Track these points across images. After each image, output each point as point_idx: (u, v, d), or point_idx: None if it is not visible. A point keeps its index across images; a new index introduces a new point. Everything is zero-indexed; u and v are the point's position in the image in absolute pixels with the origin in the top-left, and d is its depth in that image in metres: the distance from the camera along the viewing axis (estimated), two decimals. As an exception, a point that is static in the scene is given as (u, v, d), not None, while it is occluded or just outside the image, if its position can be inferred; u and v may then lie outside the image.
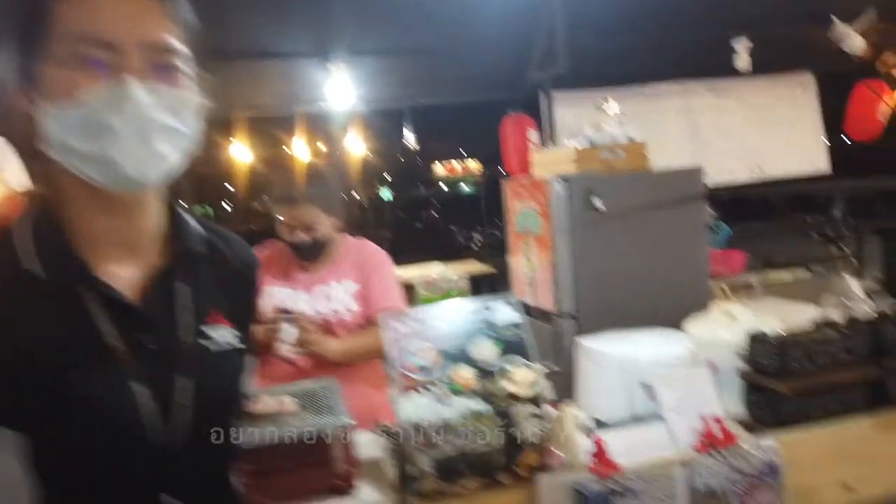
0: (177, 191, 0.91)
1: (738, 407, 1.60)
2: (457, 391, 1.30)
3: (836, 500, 1.47)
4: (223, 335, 0.90)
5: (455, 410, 1.27)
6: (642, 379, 1.52)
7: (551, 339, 2.74)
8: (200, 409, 0.84)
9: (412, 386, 1.30)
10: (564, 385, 1.82)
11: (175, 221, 0.90)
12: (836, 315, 1.68)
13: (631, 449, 1.42)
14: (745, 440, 1.40)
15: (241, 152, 6.17)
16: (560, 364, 1.70)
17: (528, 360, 1.34)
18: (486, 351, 1.35)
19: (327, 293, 2.00)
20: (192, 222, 0.93)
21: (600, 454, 1.32)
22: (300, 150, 5.79)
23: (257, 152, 6.58)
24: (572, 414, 1.43)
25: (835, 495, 1.46)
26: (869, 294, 1.87)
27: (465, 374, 1.32)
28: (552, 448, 1.35)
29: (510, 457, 1.29)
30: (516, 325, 1.39)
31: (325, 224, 1.95)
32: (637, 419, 1.48)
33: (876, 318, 1.60)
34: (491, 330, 1.38)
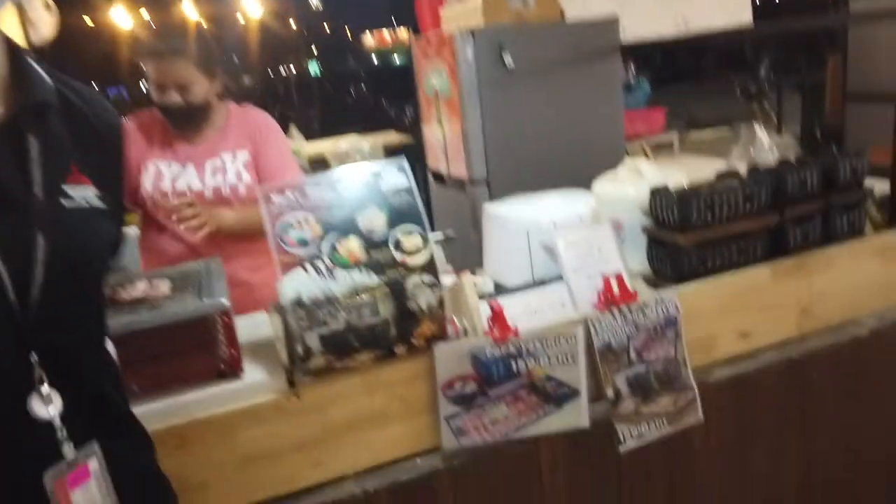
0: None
1: (643, 263, 1.58)
2: (344, 264, 1.21)
3: (733, 347, 1.50)
4: (84, 195, 0.85)
5: (341, 284, 1.19)
6: (544, 241, 1.46)
7: (469, 209, 2.68)
8: (60, 271, 0.79)
9: (294, 262, 1.19)
10: (478, 254, 1.76)
11: (17, 68, 0.83)
12: (741, 166, 1.65)
13: (532, 312, 1.38)
14: (645, 295, 1.39)
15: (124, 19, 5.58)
16: (476, 234, 1.63)
17: (420, 227, 1.25)
18: (375, 220, 1.25)
19: (219, 166, 1.85)
20: (41, 71, 0.86)
21: (497, 319, 1.28)
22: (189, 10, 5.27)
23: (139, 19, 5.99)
24: (471, 281, 1.37)
25: (732, 343, 1.49)
26: (782, 147, 1.84)
27: (352, 246, 1.22)
28: (449, 317, 1.30)
29: (405, 328, 1.23)
30: (407, 191, 1.29)
31: (202, 85, 1.75)
32: (540, 283, 1.44)
33: (777, 166, 1.57)
34: (379, 197, 1.27)
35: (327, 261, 1.20)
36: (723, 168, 1.64)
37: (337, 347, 1.19)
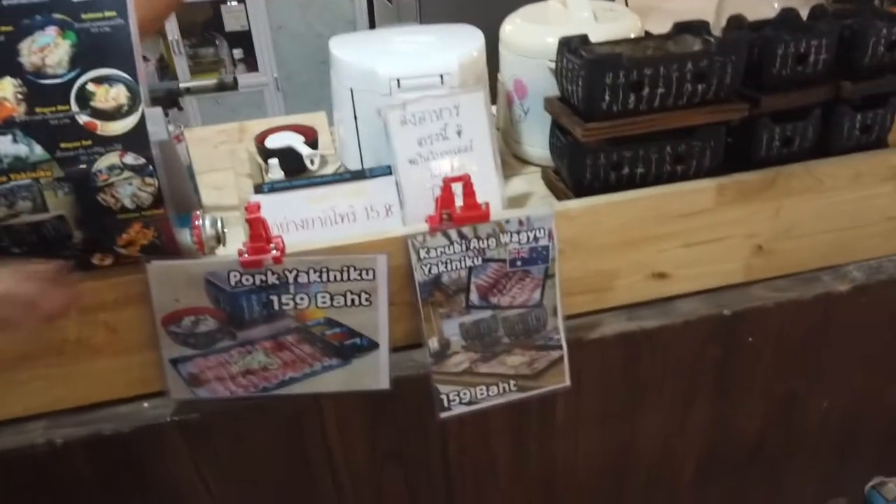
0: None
1: (541, 158, 1.09)
2: (-2, 121, 0.75)
3: (640, 292, 1.05)
4: None
5: (-19, 155, 0.74)
6: (380, 108, 0.96)
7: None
8: None
9: None
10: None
11: None
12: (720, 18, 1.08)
13: (324, 220, 0.93)
14: (507, 213, 0.92)
15: None
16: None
17: (127, 72, 0.77)
18: (51, 53, 0.76)
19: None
20: None
21: (254, 228, 0.84)
22: None
23: None
24: (240, 160, 0.91)
25: (639, 286, 1.04)
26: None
27: (5, 91, 0.76)
28: (195, 215, 0.86)
29: (100, 232, 0.80)
30: (118, 10, 0.78)
31: None
32: (356, 174, 0.96)
33: (762, 23, 1.00)
34: (67, 13, 0.77)
35: (-47, 115, 0.74)
36: (691, 19, 1.06)
37: (-19, 251, 0.78)
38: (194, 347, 0.86)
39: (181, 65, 3.50)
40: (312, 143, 1.18)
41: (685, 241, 1.01)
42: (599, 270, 1.01)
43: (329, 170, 1.17)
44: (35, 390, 0.89)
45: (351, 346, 0.89)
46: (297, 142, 1.15)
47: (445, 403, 0.97)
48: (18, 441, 0.89)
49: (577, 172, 0.97)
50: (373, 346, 0.90)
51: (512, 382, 0.99)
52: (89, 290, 0.84)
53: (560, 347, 0.99)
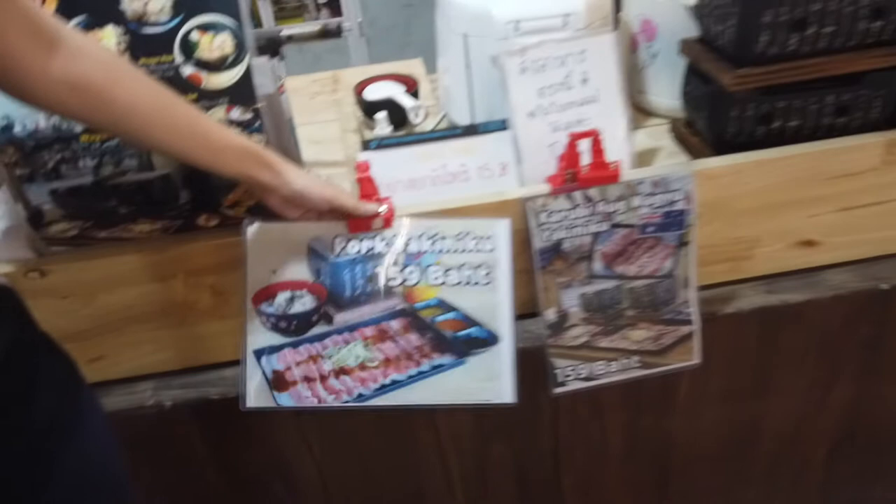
0: None
1: (669, 110, 0.97)
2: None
3: (784, 261, 0.93)
4: None
5: (86, 111, 0.71)
6: (495, 55, 0.86)
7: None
8: None
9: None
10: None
11: None
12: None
13: (434, 180, 0.86)
14: (639, 173, 0.82)
15: None
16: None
17: (233, 18, 0.71)
18: (152, 1, 0.71)
19: None
20: None
21: (365, 190, 0.77)
22: None
23: None
24: (346, 114, 0.84)
25: (783, 254, 0.92)
26: None
27: (108, 40, 0.71)
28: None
29: (206, 191, 0.76)
30: (220, -52, 0.72)
31: None
32: (468, 129, 0.87)
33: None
34: (167, -43, 0.71)
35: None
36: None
37: (85, 210, 0.75)
38: (285, 333, 0.78)
39: (265, 11, 3.46)
40: (413, 93, 1.10)
41: (841, 204, 0.88)
42: (738, 237, 0.90)
43: (430, 123, 1.10)
44: (143, 352, 0.88)
45: (466, 338, 0.80)
46: (398, 93, 1.08)
47: (560, 378, 0.90)
48: (128, 401, 0.89)
49: (719, 126, 0.85)
50: (493, 339, 0.80)
51: (635, 358, 0.90)
52: (195, 253, 0.80)
53: (690, 322, 0.89)
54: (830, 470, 1.15)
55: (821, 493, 1.17)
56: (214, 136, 0.61)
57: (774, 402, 1.04)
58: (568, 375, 0.90)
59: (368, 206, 0.75)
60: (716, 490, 1.15)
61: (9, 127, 0.69)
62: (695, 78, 0.89)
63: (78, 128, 0.70)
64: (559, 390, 0.90)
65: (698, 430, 1.06)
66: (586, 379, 0.90)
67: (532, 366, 0.89)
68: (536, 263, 0.84)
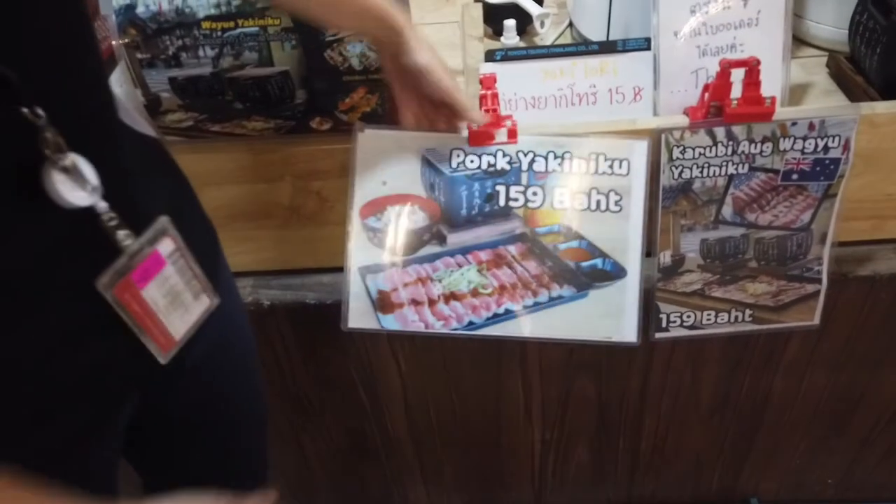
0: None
1: (828, 41, 0.86)
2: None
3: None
4: None
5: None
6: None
7: None
8: None
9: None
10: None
11: None
12: None
13: (559, 100, 0.79)
14: (794, 112, 0.73)
15: None
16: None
17: None
18: None
19: None
20: None
21: (487, 103, 0.72)
22: None
23: None
24: (472, 17, 0.77)
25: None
26: None
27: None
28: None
29: (324, 93, 0.72)
30: None
31: None
32: (605, 46, 0.79)
33: None
34: None
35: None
36: None
37: (201, 100, 0.72)
38: (393, 251, 0.74)
39: None
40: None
41: None
42: (889, 194, 0.80)
43: (551, 35, 1.01)
44: (245, 249, 0.87)
45: (590, 269, 0.75)
46: (522, -3, 0.99)
47: (664, 324, 0.85)
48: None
49: (893, 64, 0.75)
50: (619, 272, 0.75)
51: (748, 312, 0.84)
52: (305, 156, 0.78)
53: (818, 281, 0.82)
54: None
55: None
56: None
57: (887, 374, 0.97)
58: (673, 322, 0.85)
59: (483, 114, 0.70)
60: (799, 454, 1.11)
61: (132, 6, 0.66)
62: (871, 6, 0.78)
63: (200, 13, 0.67)
64: (661, 335, 0.86)
65: (798, 394, 1.01)
66: (692, 327, 0.86)
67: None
68: (660, 202, 0.77)
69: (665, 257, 0.81)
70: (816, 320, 0.84)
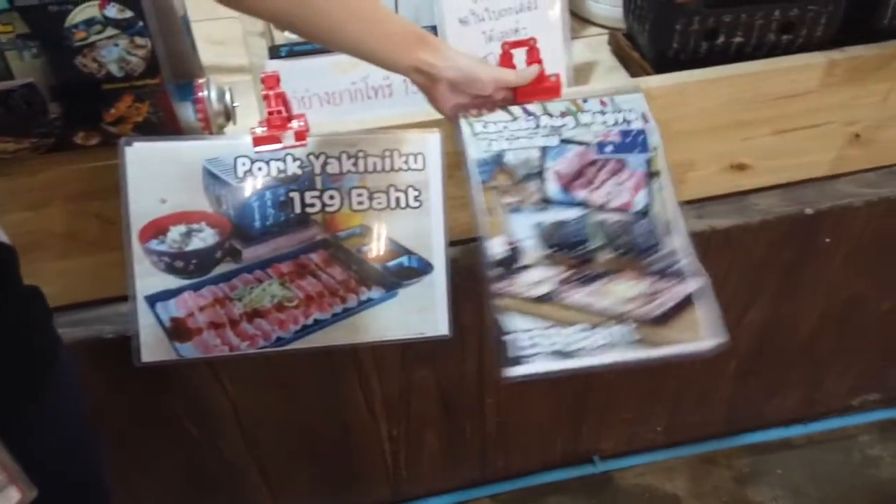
0: None
1: (607, 19, 0.90)
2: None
3: (711, 185, 0.91)
4: None
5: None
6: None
7: None
8: None
9: None
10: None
11: None
12: None
13: (353, 95, 0.77)
14: (583, 91, 0.75)
15: None
16: None
17: None
18: None
19: None
20: None
21: (271, 103, 0.67)
22: None
23: None
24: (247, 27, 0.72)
25: (712, 178, 0.90)
26: None
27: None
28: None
29: (82, 105, 0.64)
30: None
31: None
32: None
33: None
34: None
35: None
36: None
37: (-71, 127, 0.62)
38: (183, 274, 0.68)
39: None
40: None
41: (777, 127, 0.86)
42: (673, 161, 0.86)
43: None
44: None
45: (397, 268, 0.73)
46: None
47: (515, 351, 0.63)
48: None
49: (661, 40, 0.79)
50: (425, 268, 0.73)
51: (633, 328, 0.64)
52: (73, 176, 0.69)
53: (680, 275, 0.66)
54: (739, 384, 1.20)
55: (728, 407, 1.23)
56: (385, 20, 0.60)
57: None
58: (528, 346, 0.64)
59: (530, 70, 0.69)
60: (629, 407, 1.19)
61: None
62: (639, -15, 0.82)
63: None
64: (511, 372, 0.63)
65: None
66: (559, 354, 0.62)
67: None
68: (475, 177, 0.71)
69: (497, 246, 0.71)
70: (724, 337, 0.64)
